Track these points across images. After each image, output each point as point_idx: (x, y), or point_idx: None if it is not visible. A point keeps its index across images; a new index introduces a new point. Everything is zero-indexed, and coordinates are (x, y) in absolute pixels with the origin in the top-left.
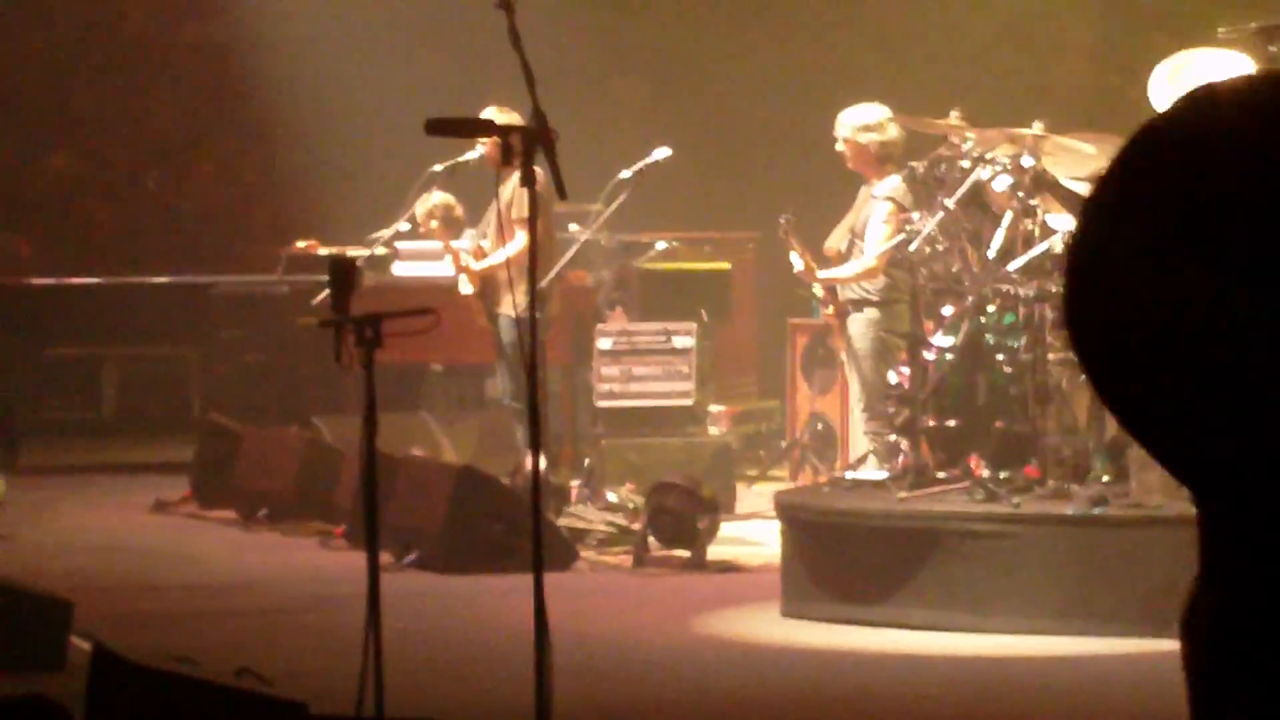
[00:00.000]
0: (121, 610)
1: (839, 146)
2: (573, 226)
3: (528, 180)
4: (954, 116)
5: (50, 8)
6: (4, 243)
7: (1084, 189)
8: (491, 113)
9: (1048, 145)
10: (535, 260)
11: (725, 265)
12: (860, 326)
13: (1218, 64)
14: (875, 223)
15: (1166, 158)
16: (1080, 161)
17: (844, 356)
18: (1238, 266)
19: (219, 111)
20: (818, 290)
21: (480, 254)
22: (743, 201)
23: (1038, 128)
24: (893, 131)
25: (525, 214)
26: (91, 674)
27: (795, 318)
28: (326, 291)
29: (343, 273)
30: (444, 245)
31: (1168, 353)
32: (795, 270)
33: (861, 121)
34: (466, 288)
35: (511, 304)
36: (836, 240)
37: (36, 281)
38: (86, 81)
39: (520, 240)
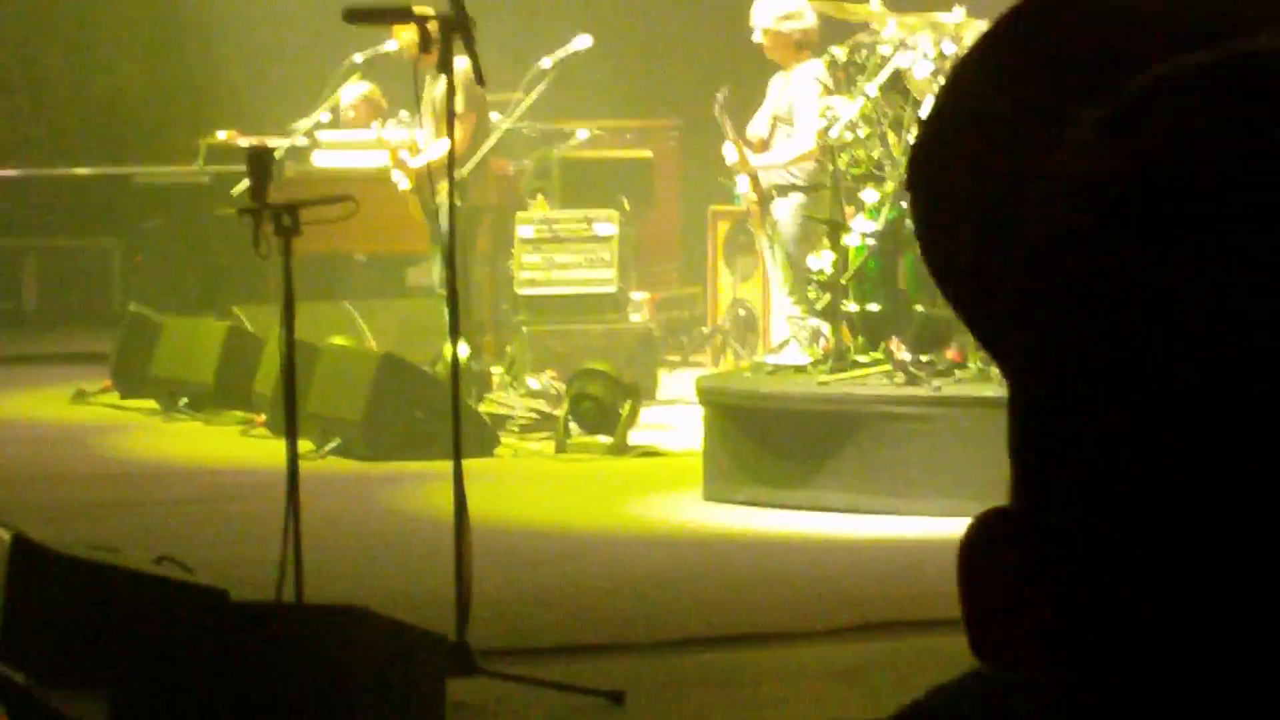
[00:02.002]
0: (41, 499)
1: (756, 36)
2: (494, 115)
3: (445, 67)
4: (874, 2)
5: None
6: None
7: None
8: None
9: (969, 31)
10: (454, 149)
11: (646, 153)
12: (785, 212)
13: None
14: (807, 106)
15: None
16: None
17: (763, 242)
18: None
19: (137, 3)
20: (741, 178)
21: (415, 148)
22: (664, 89)
23: (959, 13)
24: (810, 18)
25: (460, 108)
26: (11, 563)
27: (716, 205)
28: (246, 181)
29: (261, 162)
30: (379, 139)
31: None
32: (729, 160)
33: (782, 10)
34: (403, 182)
35: (443, 195)
36: (758, 127)
37: None
38: None
39: (457, 136)
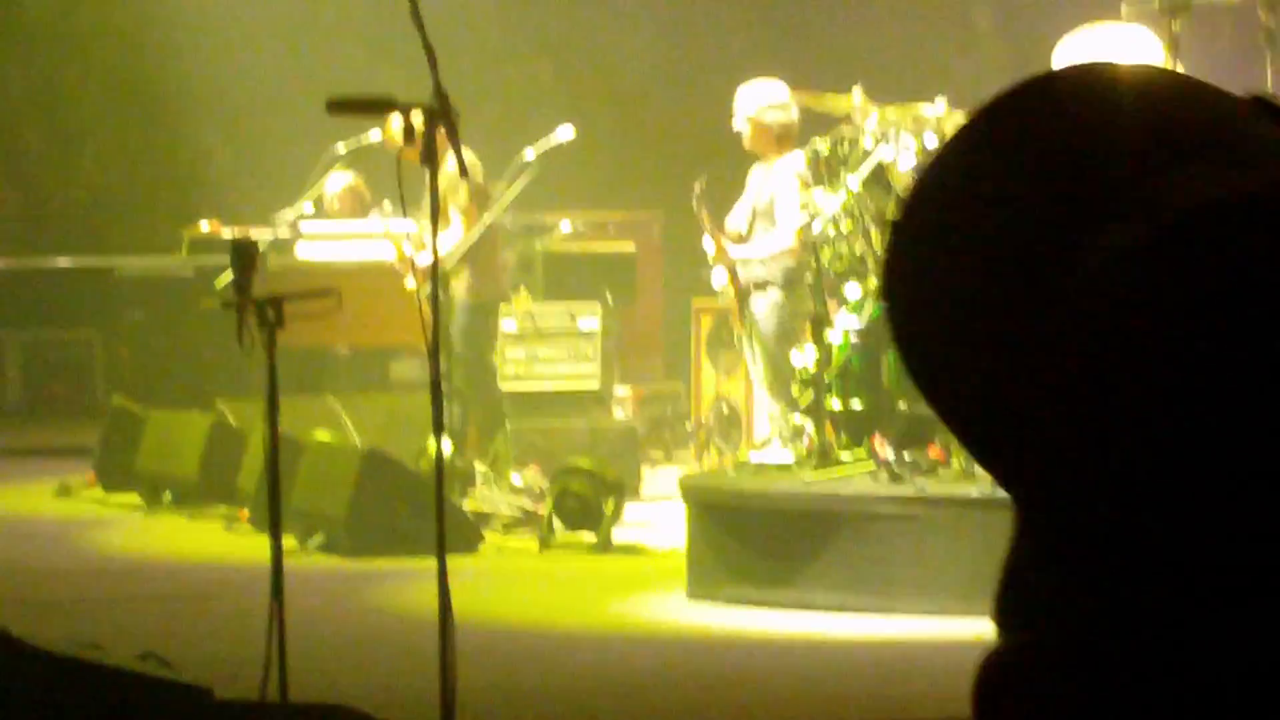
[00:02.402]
0: (24, 595)
1: (738, 125)
2: None
3: (428, 159)
4: (856, 94)
5: None
6: None
7: None
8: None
9: (951, 123)
10: (436, 240)
11: (629, 246)
12: (764, 307)
13: (1122, 39)
14: (787, 200)
15: (996, 140)
16: None
17: (743, 338)
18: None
19: (121, 93)
20: (720, 272)
21: (420, 244)
22: (646, 182)
23: (941, 105)
24: (793, 110)
25: (463, 203)
26: None
27: (700, 299)
28: (229, 274)
29: (245, 255)
30: (386, 233)
31: (977, 332)
32: (708, 252)
33: (765, 101)
34: (412, 282)
35: (460, 289)
36: (737, 221)
37: None
38: None
39: (458, 229)
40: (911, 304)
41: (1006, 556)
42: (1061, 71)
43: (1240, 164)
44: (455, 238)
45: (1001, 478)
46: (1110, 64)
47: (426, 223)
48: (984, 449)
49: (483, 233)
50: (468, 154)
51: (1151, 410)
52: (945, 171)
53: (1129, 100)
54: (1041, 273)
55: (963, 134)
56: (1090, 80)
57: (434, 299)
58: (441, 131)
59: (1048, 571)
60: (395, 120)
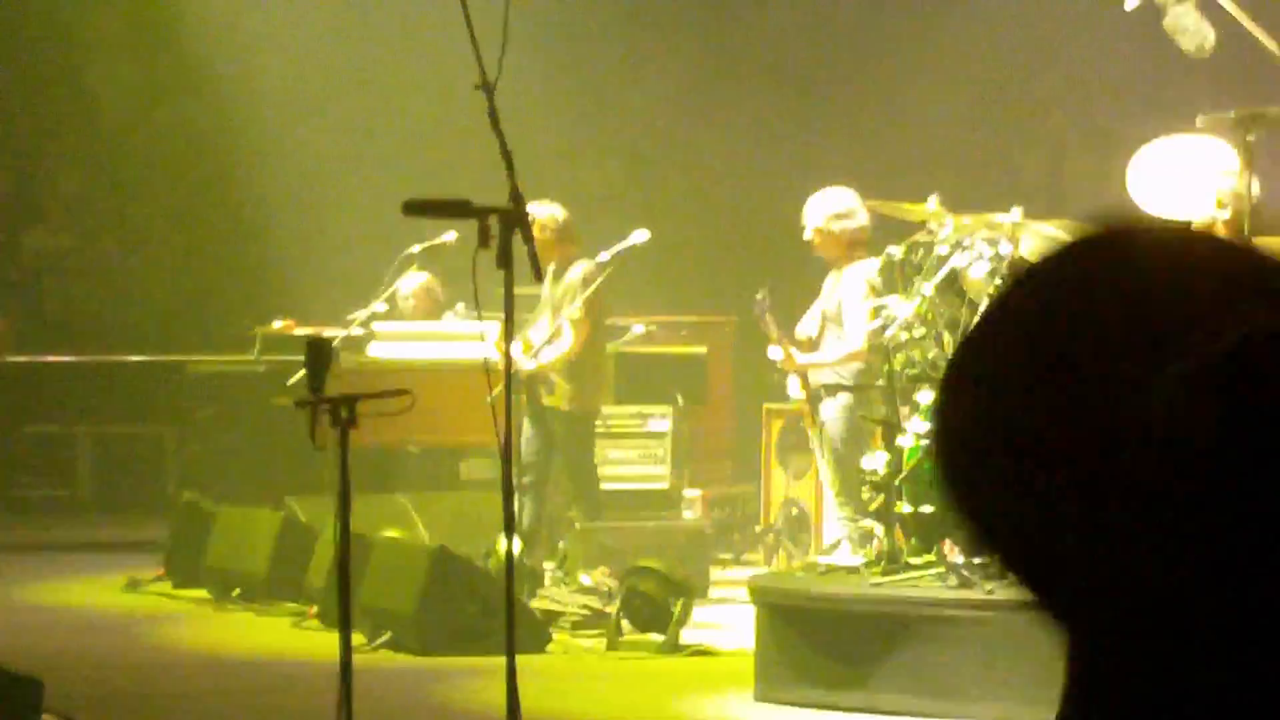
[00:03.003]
0: (93, 689)
1: (807, 234)
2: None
3: (503, 261)
4: (931, 202)
5: (25, 91)
6: None
7: None
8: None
9: (1025, 232)
10: (510, 344)
11: (701, 349)
12: (834, 412)
13: (1196, 150)
14: (855, 306)
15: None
16: None
17: (815, 441)
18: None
19: (196, 193)
20: (792, 377)
21: (529, 346)
22: (719, 285)
23: (1015, 214)
24: (862, 217)
25: (579, 314)
26: None
27: (771, 402)
28: (302, 372)
29: (319, 353)
30: (498, 343)
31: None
32: (774, 358)
33: (832, 210)
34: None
35: (563, 398)
36: (807, 326)
37: (11, 359)
38: (63, 162)
39: (568, 338)
40: (970, 440)
41: (1068, 686)
42: (1111, 229)
43: None
44: (564, 347)
45: (1060, 609)
46: (1156, 223)
47: (516, 327)
48: (1039, 579)
49: (591, 344)
50: (587, 264)
51: (1224, 525)
52: (1009, 314)
53: (1178, 255)
54: (1114, 408)
55: (1025, 282)
56: (1143, 236)
57: (506, 400)
58: (557, 237)
59: (1113, 702)
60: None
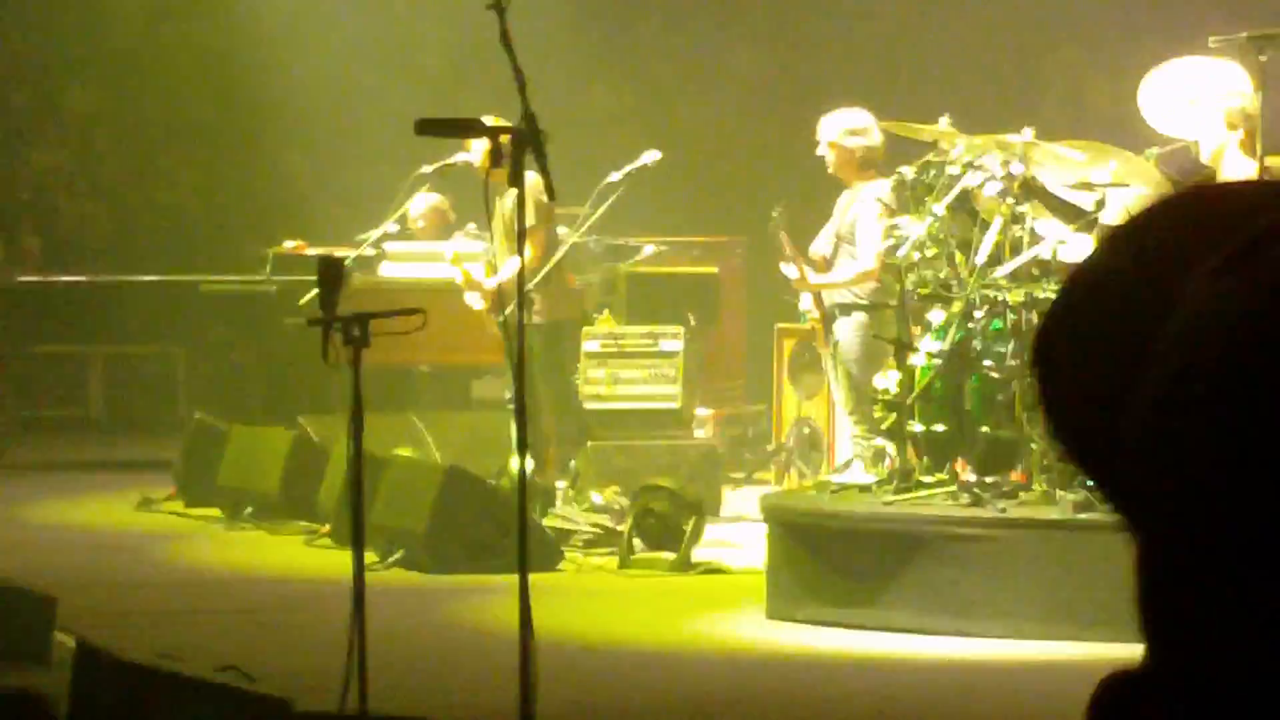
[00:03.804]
0: (105, 607)
1: (821, 150)
2: (561, 229)
3: (516, 181)
4: (943, 122)
5: (35, 10)
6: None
7: (1073, 196)
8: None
9: (1037, 152)
10: (523, 263)
11: (712, 269)
12: (848, 331)
13: (1208, 72)
14: (868, 225)
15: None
16: (1070, 168)
17: (828, 361)
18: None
19: (207, 112)
20: (805, 296)
21: (491, 266)
22: (730, 206)
23: (1027, 134)
24: (876, 136)
25: (531, 221)
26: (75, 670)
27: (782, 322)
28: (314, 291)
29: (331, 272)
30: (455, 258)
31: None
32: (790, 280)
33: (846, 125)
34: (478, 302)
35: (530, 312)
36: (821, 245)
37: (22, 279)
38: (73, 81)
39: (528, 252)
40: (1057, 375)
41: (1137, 579)
42: (1189, 189)
43: None
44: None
45: (1125, 510)
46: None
47: (495, 244)
48: (1114, 486)
49: (548, 254)
50: (534, 175)
51: (1244, 426)
52: (1087, 270)
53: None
54: (1150, 324)
55: (1100, 245)
56: (1218, 192)
57: (519, 320)
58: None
59: (1163, 605)
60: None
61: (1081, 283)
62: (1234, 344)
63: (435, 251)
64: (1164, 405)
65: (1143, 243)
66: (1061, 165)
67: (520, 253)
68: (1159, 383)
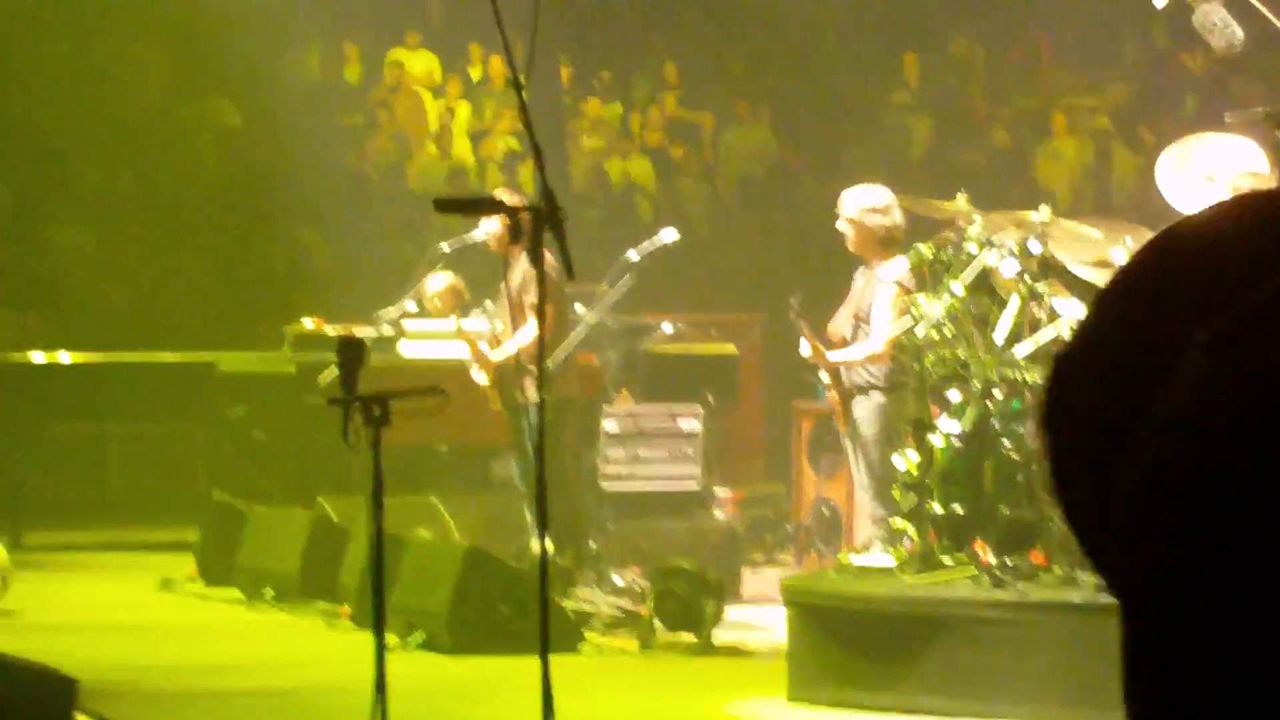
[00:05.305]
0: (126, 689)
1: (841, 226)
2: (579, 308)
3: (536, 260)
4: (961, 200)
5: (55, 89)
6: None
7: (1091, 274)
8: (501, 194)
9: (1055, 230)
10: (544, 341)
11: (731, 348)
12: (866, 411)
13: (1224, 148)
14: (881, 306)
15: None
16: (1087, 247)
17: (847, 440)
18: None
19: (225, 190)
20: (823, 375)
21: (495, 341)
22: (748, 284)
23: (1044, 212)
24: (896, 215)
25: (532, 299)
26: None
27: (801, 401)
28: (333, 369)
29: (351, 352)
30: (459, 331)
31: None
32: (804, 354)
33: (867, 204)
34: (482, 377)
35: (529, 390)
36: (840, 324)
37: (41, 358)
38: (93, 158)
39: (533, 327)
40: (1058, 436)
41: (1125, 656)
42: (1178, 224)
43: None
44: (529, 336)
45: (1111, 585)
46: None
47: (502, 321)
48: (1104, 558)
49: (555, 334)
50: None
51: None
52: (1079, 336)
53: (1232, 228)
54: (1147, 391)
55: (1091, 308)
56: (1205, 221)
57: (540, 400)
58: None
59: (1158, 672)
60: (490, 222)
61: (1074, 350)
62: (1218, 431)
63: (451, 331)
64: (1147, 486)
65: (1131, 306)
66: (1079, 243)
67: (541, 328)
68: (1145, 462)
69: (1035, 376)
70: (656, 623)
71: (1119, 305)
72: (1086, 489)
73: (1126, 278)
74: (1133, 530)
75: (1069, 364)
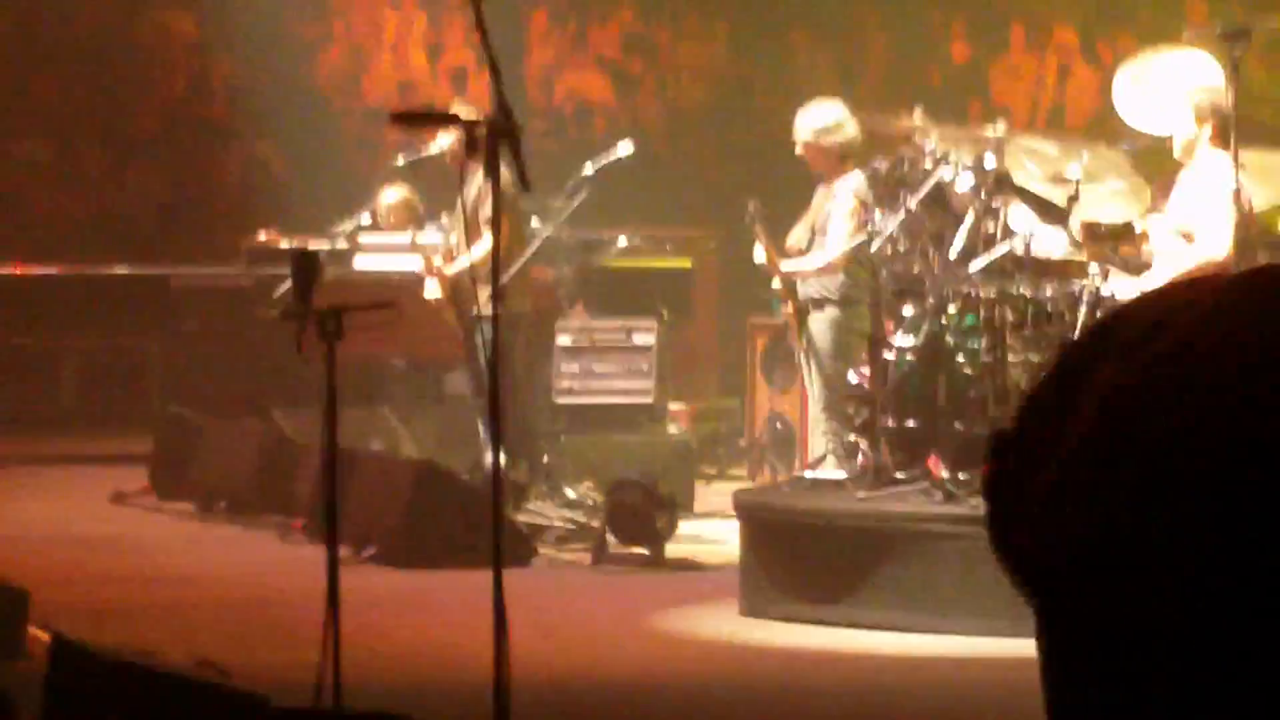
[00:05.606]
0: (79, 601)
1: (798, 150)
2: (534, 221)
3: (491, 172)
4: (917, 116)
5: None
6: None
7: (1046, 190)
8: (457, 107)
9: (1010, 146)
10: (498, 256)
11: (686, 263)
12: (820, 325)
13: (1182, 64)
14: (838, 219)
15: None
16: (1043, 162)
17: (801, 355)
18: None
19: (181, 103)
20: (778, 286)
21: (449, 255)
22: (703, 199)
23: (1000, 128)
24: (851, 130)
25: (488, 212)
26: (51, 664)
27: (756, 317)
28: (288, 284)
29: (305, 265)
30: (414, 245)
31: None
32: (757, 260)
33: (820, 124)
34: (435, 291)
35: (483, 304)
36: (797, 238)
37: None
38: (47, 71)
39: (488, 241)
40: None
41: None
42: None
43: None
44: (484, 250)
45: (1033, 589)
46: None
47: (456, 235)
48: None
49: (510, 248)
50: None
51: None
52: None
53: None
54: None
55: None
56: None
57: (494, 314)
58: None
59: (1054, 673)
60: (446, 136)
61: (1019, 414)
62: (1108, 431)
63: (408, 245)
64: (1053, 491)
65: (1063, 362)
66: (1035, 159)
67: (495, 242)
68: (1054, 468)
69: (989, 292)
70: (609, 536)
71: (1053, 369)
72: (1013, 501)
73: (1064, 351)
74: (1042, 531)
75: (1008, 433)
